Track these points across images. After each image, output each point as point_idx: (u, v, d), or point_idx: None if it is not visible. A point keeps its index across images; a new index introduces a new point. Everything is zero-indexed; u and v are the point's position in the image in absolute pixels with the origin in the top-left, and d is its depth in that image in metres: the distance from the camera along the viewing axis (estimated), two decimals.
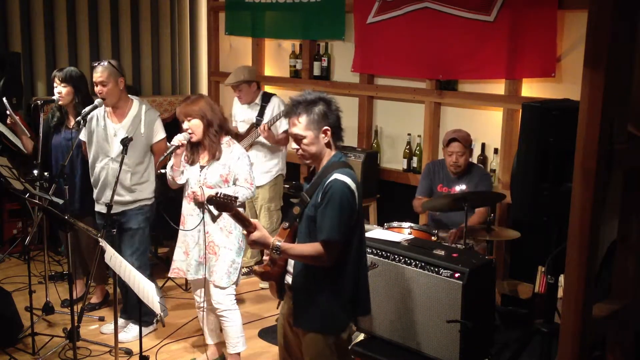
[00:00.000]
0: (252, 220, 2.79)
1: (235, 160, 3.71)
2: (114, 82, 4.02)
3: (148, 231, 4.30)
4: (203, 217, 3.71)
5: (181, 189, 3.91)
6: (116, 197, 4.02)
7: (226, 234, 3.75)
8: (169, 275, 4.01)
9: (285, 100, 5.21)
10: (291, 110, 2.74)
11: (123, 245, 4.18)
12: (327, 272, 2.72)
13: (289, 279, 2.86)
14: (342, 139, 2.84)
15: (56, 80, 4.40)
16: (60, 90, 4.37)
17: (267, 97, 5.22)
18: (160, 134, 4.22)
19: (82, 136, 4.25)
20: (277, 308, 3.08)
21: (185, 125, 3.72)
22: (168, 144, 4.07)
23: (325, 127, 2.72)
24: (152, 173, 4.22)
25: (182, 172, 3.83)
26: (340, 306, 2.77)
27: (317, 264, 2.69)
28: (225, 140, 3.78)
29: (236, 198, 2.83)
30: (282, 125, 5.10)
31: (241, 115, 5.29)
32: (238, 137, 5.04)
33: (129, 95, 4.21)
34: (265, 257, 2.86)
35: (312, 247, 2.68)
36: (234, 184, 3.73)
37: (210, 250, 3.75)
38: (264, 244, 2.75)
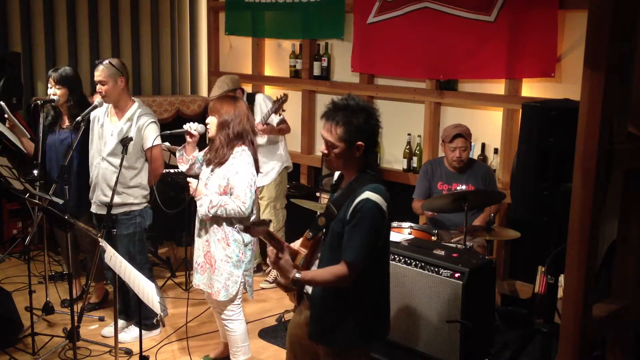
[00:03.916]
0: (284, 243, 2.66)
1: (234, 175, 3.56)
2: (113, 82, 4.01)
3: (140, 236, 4.17)
4: (185, 202, 3.63)
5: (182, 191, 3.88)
6: (102, 198, 4.06)
7: (224, 245, 3.61)
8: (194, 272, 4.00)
9: (270, 97, 5.25)
10: (330, 115, 2.58)
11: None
12: (348, 290, 2.62)
13: (309, 288, 2.77)
14: (374, 150, 2.75)
15: (51, 81, 4.36)
16: (55, 92, 4.34)
17: (250, 98, 5.19)
18: (153, 140, 4.00)
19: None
20: (294, 311, 2.98)
21: (208, 119, 3.65)
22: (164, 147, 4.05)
23: (360, 142, 2.56)
24: (143, 180, 4.11)
25: (189, 162, 3.76)
26: (357, 325, 2.66)
27: (340, 285, 2.60)
28: (240, 150, 3.60)
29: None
30: (274, 119, 5.06)
31: None
32: None
33: (133, 97, 4.17)
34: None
35: (332, 274, 2.57)
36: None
37: (208, 261, 3.67)
38: (285, 274, 2.61)
